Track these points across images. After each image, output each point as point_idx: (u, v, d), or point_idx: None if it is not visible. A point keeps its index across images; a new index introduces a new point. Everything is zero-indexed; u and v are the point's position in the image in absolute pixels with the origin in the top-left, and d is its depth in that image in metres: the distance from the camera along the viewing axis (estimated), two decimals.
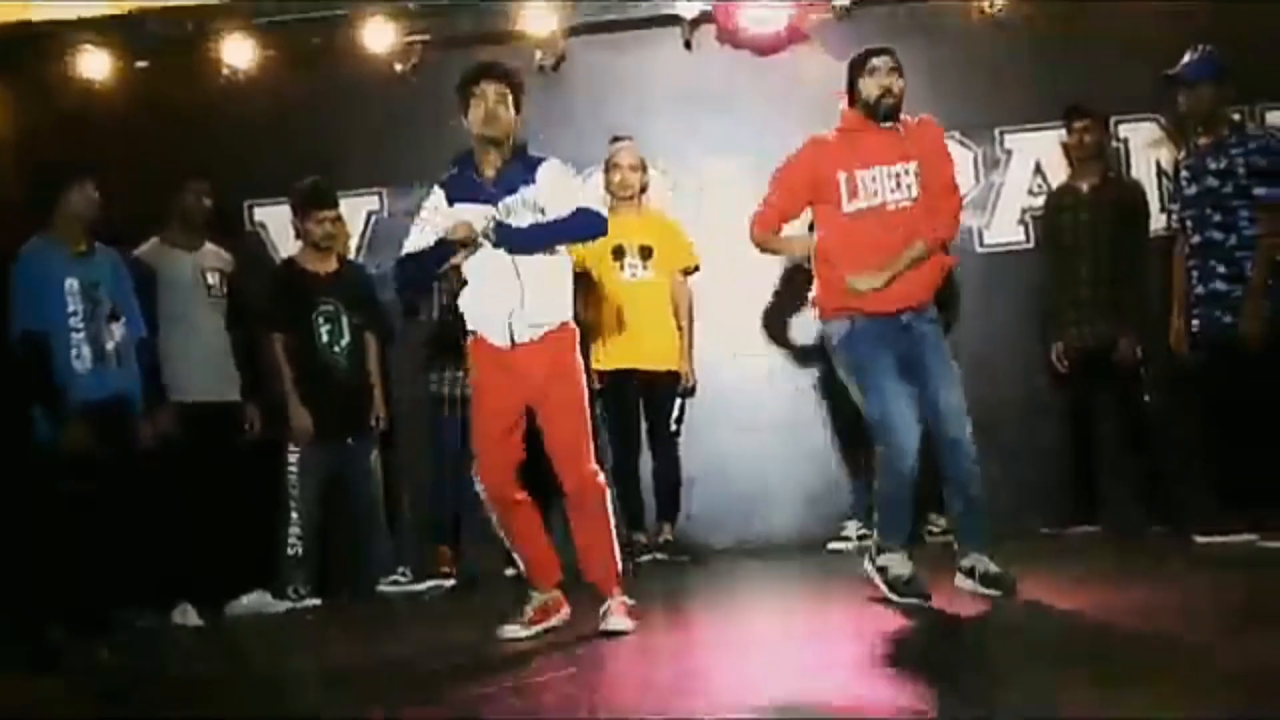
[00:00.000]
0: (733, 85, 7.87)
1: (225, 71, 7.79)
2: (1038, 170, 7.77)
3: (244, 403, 7.11)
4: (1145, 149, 7.70)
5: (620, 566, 5.31)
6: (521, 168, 5.20)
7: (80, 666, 5.79)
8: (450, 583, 7.24)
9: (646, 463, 7.49)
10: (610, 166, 7.48)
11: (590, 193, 6.63)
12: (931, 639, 4.72)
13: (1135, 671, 3.74)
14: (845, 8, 7.69)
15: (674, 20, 7.78)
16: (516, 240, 5.10)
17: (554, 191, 5.15)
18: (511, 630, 5.19)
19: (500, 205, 5.15)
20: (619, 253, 7.42)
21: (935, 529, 7.15)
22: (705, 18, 7.76)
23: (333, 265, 7.26)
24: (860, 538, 7.27)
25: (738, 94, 7.87)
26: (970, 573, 5.30)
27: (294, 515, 6.99)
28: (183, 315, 7.00)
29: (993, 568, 5.24)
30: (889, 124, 5.34)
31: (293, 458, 7.03)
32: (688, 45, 7.88)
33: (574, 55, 7.91)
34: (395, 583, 7.19)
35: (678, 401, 7.53)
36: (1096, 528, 7.09)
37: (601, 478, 5.24)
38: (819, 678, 4.05)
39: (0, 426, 6.73)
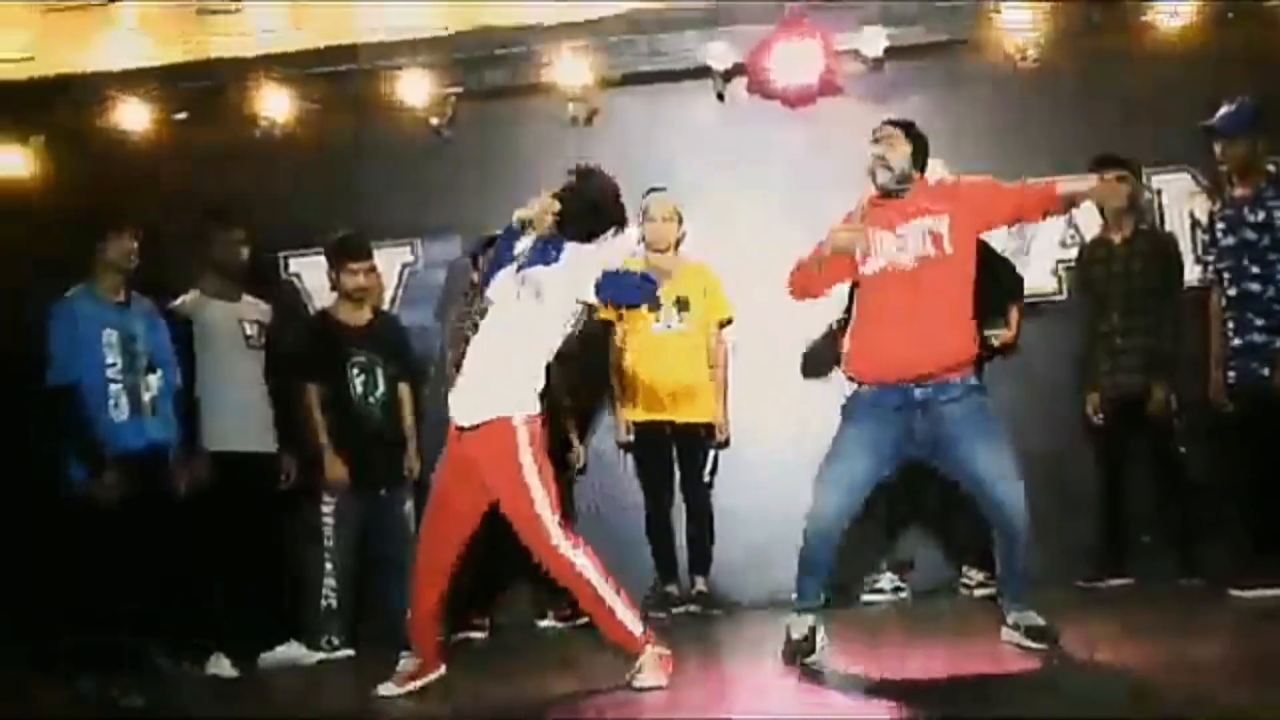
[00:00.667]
0: (765, 137, 7.89)
1: (261, 123, 7.85)
2: (1070, 221, 7.76)
3: (280, 453, 7.11)
4: (1179, 200, 7.68)
5: (630, 626, 5.23)
6: (546, 251, 5.31)
7: (113, 713, 5.82)
8: (482, 634, 7.23)
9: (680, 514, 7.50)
10: (645, 219, 7.50)
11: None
12: (969, 692, 4.69)
13: None
14: (877, 59, 7.70)
15: (706, 72, 7.80)
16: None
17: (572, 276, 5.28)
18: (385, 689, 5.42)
19: (522, 273, 5.29)
20: (654, 305, 7.42)
21: (970, 581, 7.13)
22: (738, 70, 7.79)
23: (366, 316, 7.28)
24: (895, 590, 7.25)
25: (770, 145, 7.89)
26: (1015, 627, 5.31)
27: (328, 566, 6.97)
28: (220, 366, 7.01)
29: (1038, 621, 5.25)
30: (895, 193, 5.37)
31: (327, 508, 7.02)
32: (720, 97, 7.91)
33: (607, 108, 7.94)
34: None
35: (711, 453, 7.53)
36: (1130, 580, 7.05)
37: (564, 550, 5.19)
38: None
39: (36, 473, 6.79)
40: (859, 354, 5.40)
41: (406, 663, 5.50)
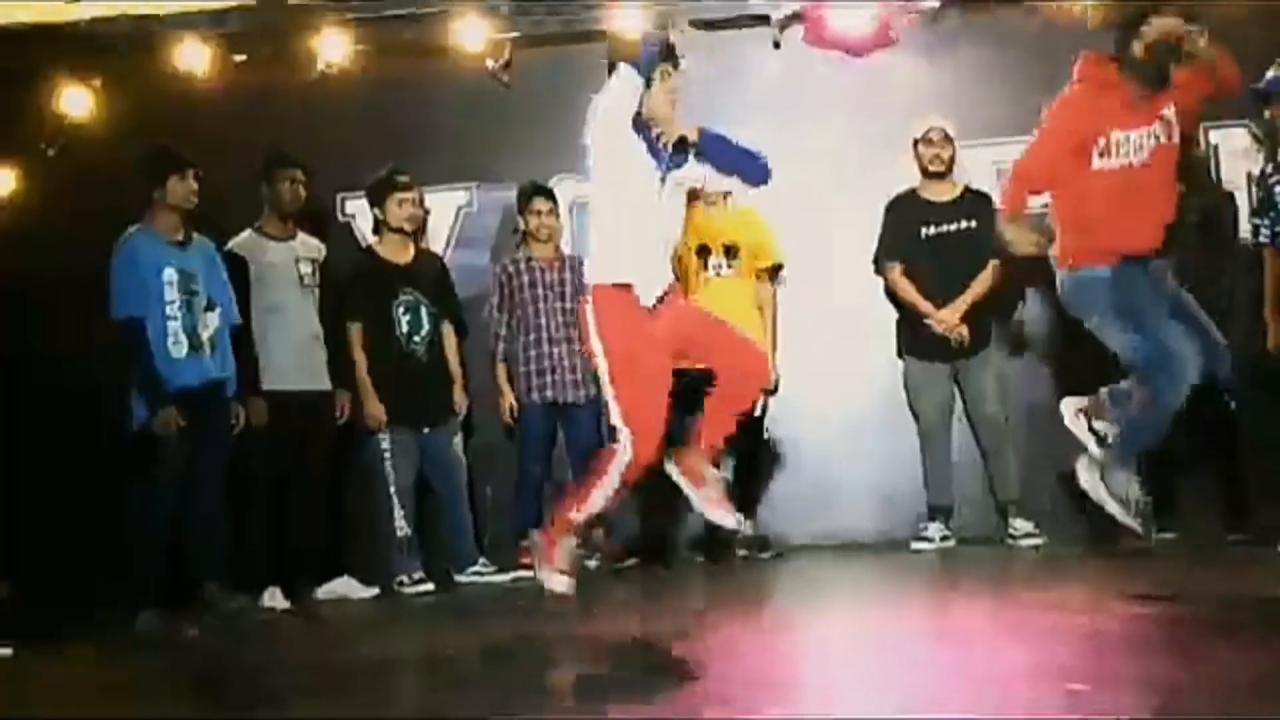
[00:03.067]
0: (820, 86, 7.88)
1: (321, 65, 7.90)
2: None
3: (334, 391, 7.20)
4: (1236, 155, 7.64)
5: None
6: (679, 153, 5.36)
7: (173, 646, 5.95)
8: (534, 574, 7.31)
9: None
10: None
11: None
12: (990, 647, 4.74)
13: (1205, 682, 3.74)
14: (934, 11, 7.68)
15: (764, 20, 7.80)
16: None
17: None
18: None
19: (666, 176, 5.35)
20: (704, 251, 7.47)
21: (1015, 532, 7.16)
22: (795, 18, 7.78)
23: (410, 255, 7.34)
24: (943, 539, 7.29)
25: (826, 95, 7.88)
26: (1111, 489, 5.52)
27: (395, 500, 7.07)
28: (276, 305, 7.13)
29: (1138, 491, 5.49)
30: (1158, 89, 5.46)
31: (385, 444, 7.12)
32: (777, 45, 7.91)
33: None
34: (478, 574, 7.25)
35: (760, 399, 7.56)
36: (1175, 535, 7.05)
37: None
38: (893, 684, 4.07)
39: (100, 408, 6.92)
40: (1103, 243, 5.49)
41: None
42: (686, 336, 5.31)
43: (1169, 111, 5.44)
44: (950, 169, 7.38)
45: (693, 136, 5.31)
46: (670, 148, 5.29)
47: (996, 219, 7.03)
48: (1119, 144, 5.42)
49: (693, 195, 7.43)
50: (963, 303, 7.26)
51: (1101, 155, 5.43)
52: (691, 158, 5.32)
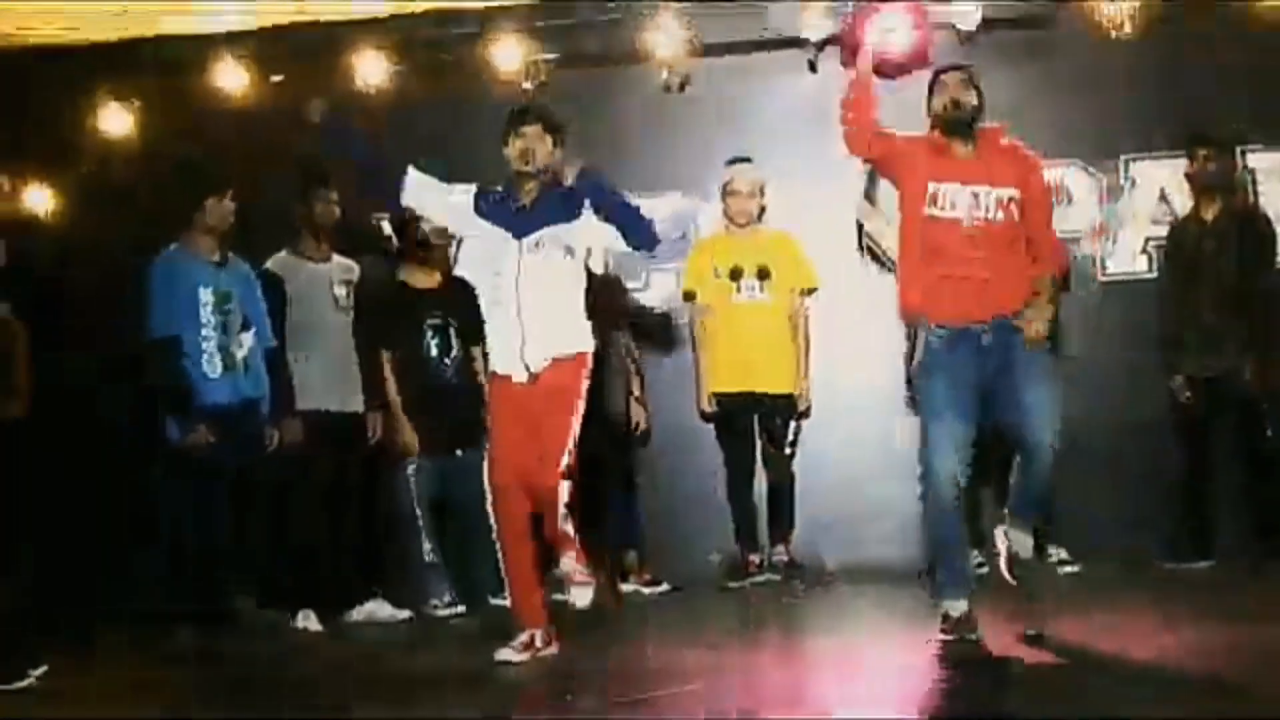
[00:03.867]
0: None
1: (357, 86, 7.91)
2: (1162, 199, 7.71)
3: (366, 413, 7.19)
4: (1274, 177, 7.60)
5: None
6: (562, 204, 5.40)
7: (206, 662, 5.97)
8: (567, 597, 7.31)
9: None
10: (727, 192, 7.54)
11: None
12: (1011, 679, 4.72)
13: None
14: (970, 32, 7.66)
15: (800, 43, 7.79)
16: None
17: (592, 237, 5.45)
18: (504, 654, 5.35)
19: (528, 239, 5.38)
20: (736, 275, 7.46)
21: (1053, 558, 7.11)
22: (831, 40, 7.77)
23: (437, 279, 7.34)
24: (978, 565, 7.22)
25: None
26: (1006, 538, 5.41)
27: (421, 524, 7.08)
28: (310, 326, 7.12)
29: (1027, 543, 5.36)
30: (964, 143, 5.31)
31: (411, 467, 7.11)
32: (813, 67, 7.89)
33: (700, 76, 7.95)
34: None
35: (793, 424, 7.56)
36: (1211, 562, 7.00)
37: (563, 495, 5.32)
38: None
39: (132, 427, 6.95)
40: (925, 296, 5.29)
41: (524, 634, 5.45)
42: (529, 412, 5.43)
43: (1013, 192, 5.24)
44: None
45: (569, 180, 5.43)
46: (532, 206, 5.43)
47: None
48: (947, 195, 5.24)
49: (728, 206, 7.50)
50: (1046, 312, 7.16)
51: (932, 203, 5.27)
52: (585, 212, 5.41)
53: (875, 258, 7.54)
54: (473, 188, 5.56)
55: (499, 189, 5.53)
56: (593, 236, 5.49)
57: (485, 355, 7.24)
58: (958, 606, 5.16)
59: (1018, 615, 5.46)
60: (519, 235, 5.38)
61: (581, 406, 5.40)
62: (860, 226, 7.66)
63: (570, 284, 5.47)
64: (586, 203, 5.40)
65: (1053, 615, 5.37)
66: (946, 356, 5.22)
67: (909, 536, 7.45)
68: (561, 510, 5.30)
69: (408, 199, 5.62)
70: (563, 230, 5.38)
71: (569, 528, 5.31)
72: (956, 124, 5.31)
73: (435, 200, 5.64)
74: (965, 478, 5.21)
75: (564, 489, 5.31)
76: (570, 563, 5.32)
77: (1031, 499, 5.35)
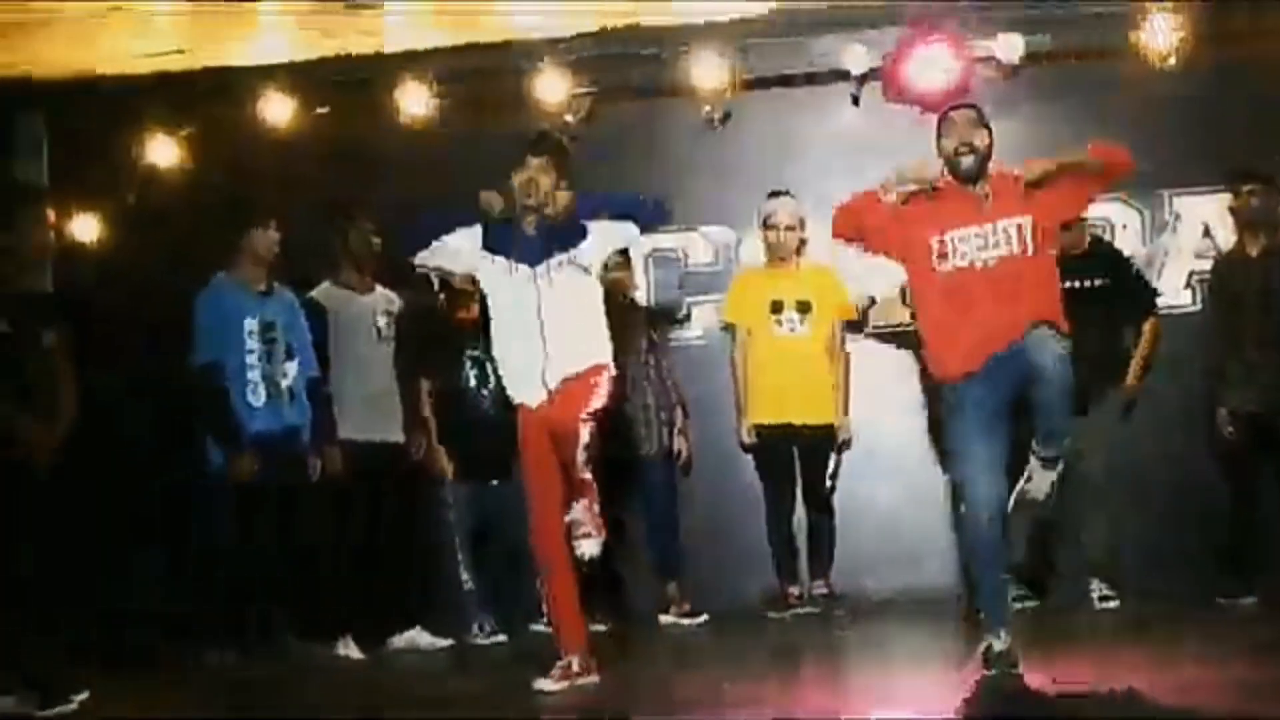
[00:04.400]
0: (898, 141, 7.85)
1: (401, 118, 7.96)
2: (1206, 233, 7.69)
3: (407, 443, 7.22)
4: None
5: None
6: (569, 230, 5.44)
7: (243, 692, 6.00)
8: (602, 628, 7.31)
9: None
10: (767, 225, 7.56)
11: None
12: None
13: None
14: (1012, 66, 7.65)
15: (843, 76, 7.81)
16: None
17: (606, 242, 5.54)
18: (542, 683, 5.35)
19: (540, 266, 5.41)
20: (776, 308, 7.48)
21: (1095, 593, 7.06)
22: (874, 74, 7.78)
23: (477, 309, 7.35)
24: (1022, 598, 7.16)
25: (903, 151, 7.83)
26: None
27: (460, 553, 7.11)
28: (352, 356, 7.17)
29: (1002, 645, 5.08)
30: (976, 183, 5.17)
31: (448, 497, 7.16)
32: (855, 101, 7.91)
33: (742, 110, 7.97)
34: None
35: (832, 456, 7.55)
36: (1253, 599, 6.93)
37: (585, 430, 5.36)
38: None
39: (178, 453, 7.00)
40: (947, 355, 5.19)
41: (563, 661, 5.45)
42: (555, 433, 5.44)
43: (1022, 221, 5.08)
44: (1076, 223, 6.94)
45: (564, 204, 5.47)
46: (540, 234, 5.46)
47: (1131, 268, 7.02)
48: (957, 242, 5.09)
49: (768, 239, 7.51)
50: (1138, 366, 7.19)
51: (942, 257, 5.11)
52: (590, 235, 5.47)
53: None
54: (477, 227, 5.57)
55: (505, 221, 5.54)
56: (606, 241, 5.57)
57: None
58: (999, 641, 5.09)
59: (1057, 652, 5.43)
60: (533, 264, 5.42)
61: (605, 391, 5.45)
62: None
63: (588, 303, 5.52)
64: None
65: (1093, 651, 5.31)
66: (965, 395, 5.10)
67: (950, 569, 7.46)
68: (581, 454, 5.30)
69: (420, 258, 5.69)
70: (574, 253, 5.43)
71: (587, 474, 5.31)
72: (967, 170, 5.18)
73: (442, 257, 5.69)
74: (1002, 505, 5.10)
75: (585, 430, 5.33)
76: (582, 510, 5.28)
77: (1055, 431, 5.12)
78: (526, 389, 5.46)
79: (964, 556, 5.36)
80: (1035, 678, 4.96)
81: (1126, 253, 7.48)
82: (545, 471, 5.45)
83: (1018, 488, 5.19)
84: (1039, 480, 5.20)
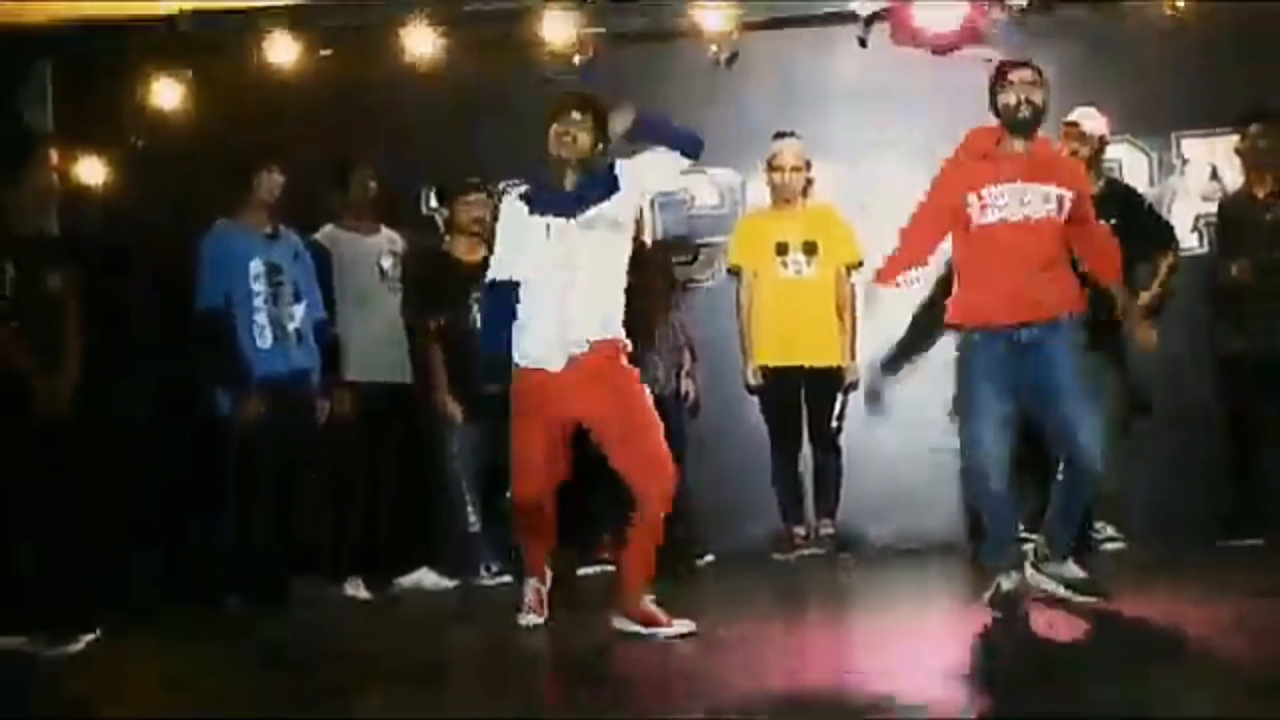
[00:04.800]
0: (906, 84, 7.83)
1: (407, 60, 7.92)
2: (1214, 175, 7.65)
3: (415, 384, 7.24)
4: None
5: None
6: (604, 184, 5.34)
7: (259, 635, 6.04)
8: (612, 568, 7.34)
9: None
10: (772, 167, 7.54)
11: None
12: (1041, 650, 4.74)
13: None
14: (1021, 9, 7.60)
15: (850, 17, 7.76)
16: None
17: (631, 184, 5.37)
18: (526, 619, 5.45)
19: (579, 218, 5.28)
20: (782, 249, 7.48)
21: (1099, 535, 7.07)
22: (881, 15, 7.73)
23: (482, 253, 7.34)
24: (1108, 538, 7.16)
25: (910, 93, 7.83)
26: (1055, 578, 5.34)
27: (465, 495, 7.13)
28: (358, 298, 7.20)
29: (1078, 573, 5.30)
30: (1023, 141, 5.31)
31: (455, 440, 7.16)
32: (863, 43, 7.86)
33: (748, 51, 7.93)
34: (557, 564, 7.24)
35: (839, 398, 7.56)
36: (1261, 541, 6.94)
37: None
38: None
39: (187, 397, 7.02)
40: (965, 301, 5.38)
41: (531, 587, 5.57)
42: (603, 415, 5.30)
43: (1061, 190, 5.27)
44: (1093, 165, 6.99)
45: (621, 127, 5.36)
46: (576, 188, 5.36)
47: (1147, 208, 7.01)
48: (994, 197, 5.25)
49: (773, 181, 7.48)
50: (1154, 299, 7.06)
51: (981, 211, 5.28)
52: (618, 193, 5.35)
53: None
54: (514, 196, 5.56)
55: (542, 181, 5.50)
56: (649, 178, 5.48)
57: None
58: (1007, 580, 5.19)
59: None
60: (572, 217, 5.31)
61: (646, 392, 5.35)
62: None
63: (618, 265, 5.37)
64: (623, 169, 5.37)
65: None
66: (984, 349, 5.28)
67: (957, 513, 7.48)
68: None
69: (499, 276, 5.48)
70: (608, 207, 5.32)
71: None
72: (1025, 124, 5.30)
73: (514, 255, 5.45)
74: (1008, 452, 5.23)
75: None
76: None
77: (1070, 522, 5.34)
78: (541, 352, 5.29)
79: (968, 504, 5.40)
80: (1041, 618, 5.02)
81: (1140, 191, 7.42)
82: (541, 456, 5.38)
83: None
84: (1055, 576, 5.33)
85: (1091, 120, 7.04)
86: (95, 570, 6.86)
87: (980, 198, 5.26)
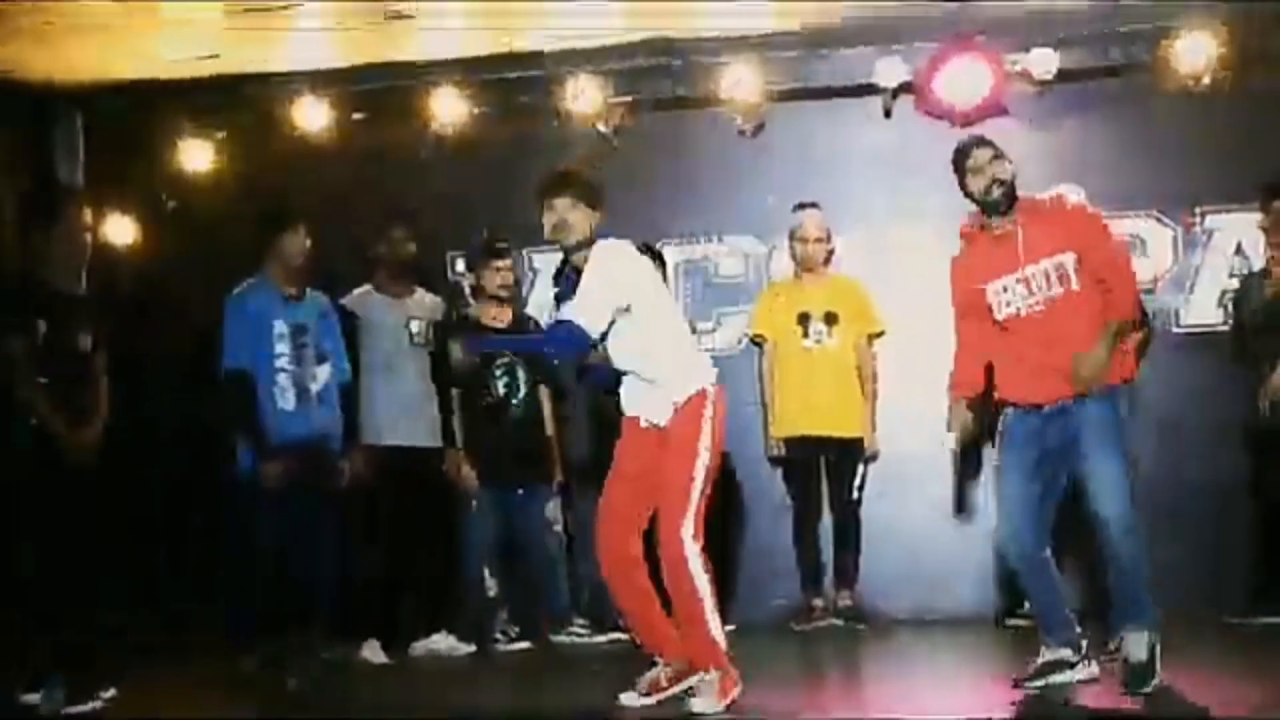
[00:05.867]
0: (931, 155, 7.84)
1: (436, 126, 8.00)
2: (1239, 251, 7.65)
3: (443, 449, 7.22)
4: None
5: (718, 638, 5.12)
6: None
7: (271, 694, 6.03)
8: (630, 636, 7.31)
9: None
10: (795, 238, 7.58)
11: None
12: None
13: None
14: (1046, 81, 7.64)
15: (874, 89, 7.81)
16: (486, 348, 5.80)
17: (580, 292, 5.15)
18: (628, 698, 5.28)
19: (564, 306, 5.22)
20: (804, 320, 7.51)
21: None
22: (905, 87, 7.78)
23: (509, 317, 7.39)
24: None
25: (934, 164, 7.82)
26: (1114, 655, 5.29)
27: (483, 560, 7.14)
28: (385, 362, 7.22)
29: (1142, 655, 5.09)
30: (1004, 219, 5.29)
31: (476, 504, 7.15)
32: (887, 114, 7.90)
33: (774, 121, 7.98)
34: (573, 634, 7.25)
35: (860, 469, 7.55)
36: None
37: (690, 549, 5.08)
38: None
39: (209, 457, 7.03)
40: (1005, 384, 5.40)
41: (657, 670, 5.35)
42: (644, 468, 5.27)
43: (1062, 257, 5.20)
44: None
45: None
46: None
47: None
48: (1002, 291, 5.27)
49: (795, 251, 7.50)
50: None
51: (999, 306, 5.30)
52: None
53: None
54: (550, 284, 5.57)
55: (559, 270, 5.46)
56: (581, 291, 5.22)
57: (555, 395, 7.38)
58: (1065, 652, 5.25)
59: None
60: None
61: (704, 452, 5.17)
62: None
63: (640, 333, 5.24)
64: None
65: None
66: (1012, 436, 5.35)
67: (980, 585, 7.43)
68: (689, 565, 5.08)
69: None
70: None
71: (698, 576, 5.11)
72: (999, 204, 5.29)
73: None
74: (1040, 534, 5.27)
75: (689, 541, 5.11)
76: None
77: (1129, 595, 5.23)
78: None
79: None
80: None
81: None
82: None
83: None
84: (1133, 647, 5.17)
85: (1073, 196, 7.06)
86: (117, 627, 6.88)
87: (985, 290, 5.30)
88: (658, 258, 7.13)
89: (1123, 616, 5.24)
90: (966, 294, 5.42)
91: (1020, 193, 5.37)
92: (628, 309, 5.15)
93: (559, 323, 5.16)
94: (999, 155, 5.32)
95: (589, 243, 5.22)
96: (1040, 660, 5.26)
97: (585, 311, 5.07)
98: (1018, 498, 5.29)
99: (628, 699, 5.26)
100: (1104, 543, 5.20)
